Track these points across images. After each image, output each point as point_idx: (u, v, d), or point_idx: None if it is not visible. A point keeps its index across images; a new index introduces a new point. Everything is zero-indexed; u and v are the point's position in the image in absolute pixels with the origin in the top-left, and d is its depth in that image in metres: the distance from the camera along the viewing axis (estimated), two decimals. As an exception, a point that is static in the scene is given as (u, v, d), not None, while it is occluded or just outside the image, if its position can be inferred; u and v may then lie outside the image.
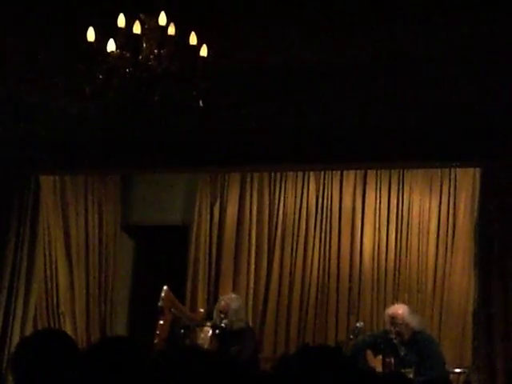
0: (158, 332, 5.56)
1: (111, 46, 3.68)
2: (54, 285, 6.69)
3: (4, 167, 6.20)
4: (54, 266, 6.69)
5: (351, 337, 5.47)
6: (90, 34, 3.68)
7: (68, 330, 6.42)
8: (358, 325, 5.59)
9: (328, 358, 1.61)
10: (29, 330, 6.23)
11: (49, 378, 2.34)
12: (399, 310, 5.35)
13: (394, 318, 5.29)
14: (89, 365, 2.35)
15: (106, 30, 3.67)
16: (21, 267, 6.29)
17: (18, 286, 6.26)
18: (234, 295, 5.85)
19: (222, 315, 5.49)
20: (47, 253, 6.63)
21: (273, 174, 6.99)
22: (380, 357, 5.29)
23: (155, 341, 5.51)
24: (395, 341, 5.22)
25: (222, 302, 5.61)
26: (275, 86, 4.79)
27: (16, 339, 6.16)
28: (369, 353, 5.36)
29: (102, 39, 3.67)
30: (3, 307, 6.19)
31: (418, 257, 6.57)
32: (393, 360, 5.21)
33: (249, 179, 7.04)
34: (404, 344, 5.25)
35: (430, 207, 6.61)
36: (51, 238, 6.69)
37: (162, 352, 2.75)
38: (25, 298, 6.30)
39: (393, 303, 5.80)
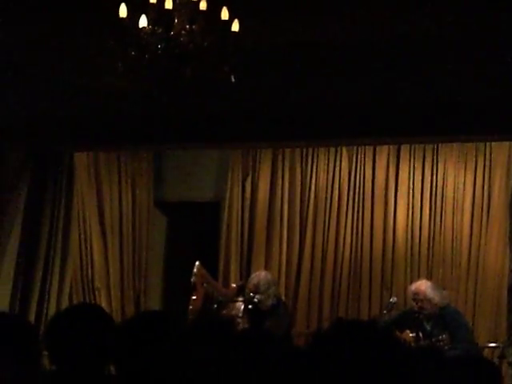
0: (190, 307, 5.60)
1: (143, 21, 3.68)
2: (89, 260, 6.78)
3: (38, 144, 6.27)
4: (88, 242, 6.78)
5: (385, 312, 5.47)
6: (122, 10, 3.68)
7: (103, 304, 6.51)
8: (391, 300, 5.58)
9: (362, 333, 1.61)
10: (64, 305, 6.32)
11: (84, 351, 2.38)
12: (421, 286, 5.34)
13: (416, 294, 5.29)
14: (124, 338, 2.39)
15: (138, 6, 3.66)
16: (56, 243, 6.38)
17: (54, 261, 6.36)
18: (264, 272, 5.86)
19: (253, 294, 5.50)
20: (82, 229, 6.72)
21: (304, 149, 6.97)
22: (408, 331, 5.30)
23: (188, 315, 5.56)
24: (420, 316, 5.22)
25: (252, 281, 5.62)
26: (309, 61, 4.75)
27: (52, 314, 6.26)
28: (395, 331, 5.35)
29: (133, 15, 3.67)
30: (39, 283, 6.29)
31: (453, 232, 6.52)
32: (421, 334, 5.22)
33: (280, 155, 7.02)
34: (430, 319, 5.26)
35: (464, 182, 6.54)
36: (85, 215, 6.76)
37: (195, 325, 2.78)
38: (60, 273, 6.39)
39: (427, 278, 5.78)
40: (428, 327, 5.24)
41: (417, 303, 5.26)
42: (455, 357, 4.03)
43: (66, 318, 2.48)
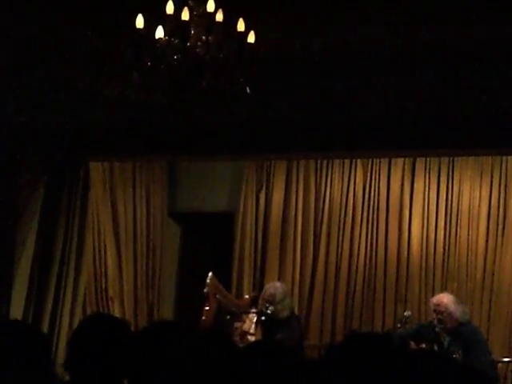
0: (203, 318, 5.59)
1: (159, 32, 3.70)
2: (103, 270, 6.79)
3: (54, 154, 6.31)
4: (102, 252, 6.79)
5: (399, 325, 5.43)
6: (139, 21, 3.70)
7: (116, 314, 6.51)
8: (405, 314, 5.54)
9: (377, 346, 1.59)
10: (78, 315, 6.34)
11: (104, 363, 2.37)
12: (444, 298, 5.30)
13: (437, 306, 5.25)
14: (137, 349, 2.38)
15: (155, 17, 3.68)
16: (70, 252, 6.39)
17: (68, 271, 6.38)
18: (278, 283, 5.84)
19: (267, 304, 5.48)
20: (96, 238, 6.73)
21: (319, 161, 6.96)
22: (423, 345, 5.25)
23: (201, 326, 5.54)
24: (438, 329, 5.17)
25: (268, 291, 5.60)
26: (323, 72, 4.75)
27: (66, 323, 6.28)
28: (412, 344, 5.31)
29: (150, 26, 3.69)
30: (53, 292, 6.30)
31: (468, 246, 6.48)
32: (436, 348, 5.16)
33: (295, 167, 7.02)
34: (448, 335, 5.19)
35: (480, 196, 6.51)
36: (100, 224, 6.78)
37: (207, 337, 2.78)
38: (74, 282, 6.41)
39: (441, 292, 5.74)
40: (445, 343, 5.18)
41: (437, 315, 5.21)
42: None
43: (91, 328, 2.47)
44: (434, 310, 5.25)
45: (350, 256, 6.77)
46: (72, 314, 6.34)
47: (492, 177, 6.50)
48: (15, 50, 4.64)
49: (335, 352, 1.62)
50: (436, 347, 5.12)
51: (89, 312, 6.46)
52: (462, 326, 5.19)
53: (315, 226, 6.91)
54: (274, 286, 5.65)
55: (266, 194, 7.06)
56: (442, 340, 5.20)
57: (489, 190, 6.49)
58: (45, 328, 6.05)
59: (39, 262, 6.29)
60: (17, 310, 6.08)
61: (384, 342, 1.61)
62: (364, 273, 6.71)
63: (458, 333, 5.15)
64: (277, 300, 5.48)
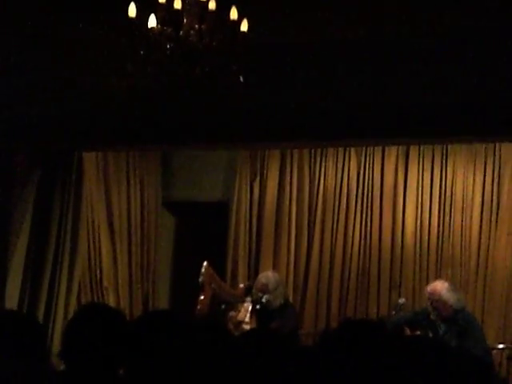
0: (198, 307, 5.60)
1: (152, 21, 3.69)
2: (98, 260, 6.79)
3: (47, 144, 6.29)
4: (97, 242, 6.79)
5: (393, 313, 5.45)
6: (132, 10, 3.69)
7: (111, 304, 6.52)
8: (400, 301, 5.56)
9: (371, 332, 1.60)
10: (73, 305, 6.34)
11: (99, 352, 2.37)
12: (438, 285, 5.30)
13: (431, 294, 5.26)
14: (131, 338, 2.38)
15: (147, 6, 3.67)
16: (65, 243, 6.38)
17: (63, 261, 6.37)
18: (271, 273, 5.85)
19: (261, 294, 5.50)
20: (90, 228, 6.72)
21: (313, 150, 6.96)
22: (418, 333, 5.26)
23: (196, 315, 5.55)
24: (432, 316, 5.18)
25: (260, 281, 5.61)
26: (317, 61, 4.74)
27: (61, 313, 6.28)
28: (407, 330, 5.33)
29: (143, 15, 3.67)
30: (48, 283, 6.30)
31: (462, 233, 6.50)
32: (431, 335, 5.17)
33: (289, 156, 7.02)
34: (443, 322, 5.21)
35: (473, 183, 6.52)
36: (94, 214, 6.77)
37: (202, 326, 2.78)
38: (69, 273, 6.40)
39: (435, 279, 5.76)
40: (440, 330, 5.19)
41: (431, 303, 5.22)
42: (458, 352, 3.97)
43: (86, 317, 2.47)
44: (429, 298, 5.27)
45: (345, 244, 6.79)
46: (67, 304, 6.34)
47: (485, 164, 6.52)
48: (6, 43, 4.62)
49: (329, 339, 1.63)
50: (431, 334, 5.13)
51: (84, 302, 6.46)
52: (457, 313, 5.19)
53: (309, 214, 6.92)
54: (266, 276, 5.66)
55: (260, 183, 7.07)
56: (437, 327, 5.21)
57: (482, 177, 6.51)
58: (40, 318, 6.04)
59: (33, 253, 6.28)
60: (12, 300, 6.08)
61: (378, 329, 1.61)
62: (358, 261, 6.73)
63: (453, 320, 5.16)
64: (270, 289, 5.49)
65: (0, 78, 5.12)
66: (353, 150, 6.86)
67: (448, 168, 6.60)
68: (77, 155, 6.50)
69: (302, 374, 1.87)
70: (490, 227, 6.43)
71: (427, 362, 1.52)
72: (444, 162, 6.62)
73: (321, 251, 6.85)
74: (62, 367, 2.49)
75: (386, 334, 1.62)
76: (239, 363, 2.24)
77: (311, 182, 6.95)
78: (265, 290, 5.50)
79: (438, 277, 6.10)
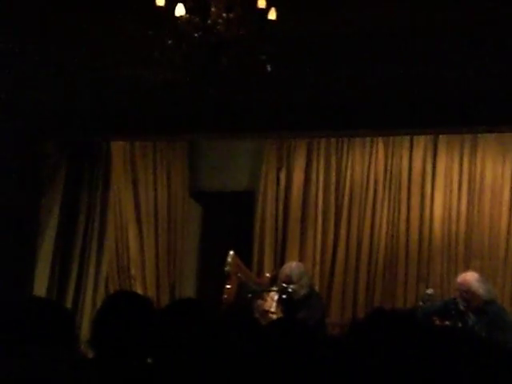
0: (225, 296, 5.62)
1: (180, 10, 3.68)
2: (125, 249, 6.84)
3: (75, 133, 6.33)
4: (124, 230, 6.84)
5: (421, 303, 5.41)
6: (160, -1, 3.69)
7: (138, 292, 6.56)
8: (427, 291, 5.52)
9: (402, 322, 1.59)
10: (100, 293, 6.40)
11: (129, 340, 2.38)
12: (467, 276, 5.26)
13: (461, 285, 5.22)
14: (161, 326, 2.40)
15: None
16: (93, 231, 6.44)
17: (91, 249, 6.43)
18: (294, 263, 5.84)
19: (285, 284, 5.49)
20: (118, 217, 6.77)
21: (340, 140, 6.92)
22: (447, 323, 5.22)
23: (222, 304, 5.57)
24: (462, 307, 5.14)
25: (283, 272, 5.60)
26: (346, 50, 4.71)
27: (89, 301, 6.35)
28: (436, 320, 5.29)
29: (170, 4, 3.67)
30: (76, 270, 6.37)
31: (490, 223, 6.44)
32: (460, 326, 5.13)
33: (316, 145, 6.99)
34: (473, 313, 5.16)
35: (502, 173, 6.45)
36: (121, 203, 6.82)
37: (230, 314, 2.78)
38: (97, 261, 6.46)
39: (464, 270, 5.71)
40: (470, 321, 5.14)
41: (461, 294, 5.19)
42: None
43: (116, 306, 2.49)
44: (458, 289, 5.23)
45: (372, 234, 6.75)
46: (95, 293, 6.40)
47: (515, 154, 6.44)
48: (29, 30, 4.64)
49: (360, 329, 1.62)
50: (460, 325, 5.09)
51: (111, 290, 6.51)
52: (487, 305, 5.14)
53: (336, 204, 6.89)
54: (289, 267, 5.65)
55: (287, 172, 7.05)
56: (466, 318, 5.16)
57: (511, 167, 6.43)
58: (68, 306, 6.11)
59: (62, 242, 6.35)
60: (41, 288, 6.15)
61: (409, 319, 1.60)
62: (385, 251, 6.69)
63: (483, 311, 5.11)
64: (294, 280, 5.48)
65: (28, 70, 5.15)
66: (380, 140, 6.81)
67: (477, 158, 6.53)
68: (104, 145, 6.54)
69: (331, 364, 1.87)
70: (520, 218, 6.36)
71: (459, 353, 1.50)
72: (473, 151, 6.55)
73: (347, 241, 6.82)
74: (91, 355, 2.52)
75: (417, 324, 1.61)
76: (268, 352, 2.25)
77: (338, 171, 6.91)
78: (289, 280, 5.49)
79: (466, 268, 6.04)
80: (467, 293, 5.16)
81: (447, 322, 5.18)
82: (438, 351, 1.52)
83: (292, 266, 5.68)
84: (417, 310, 5.35)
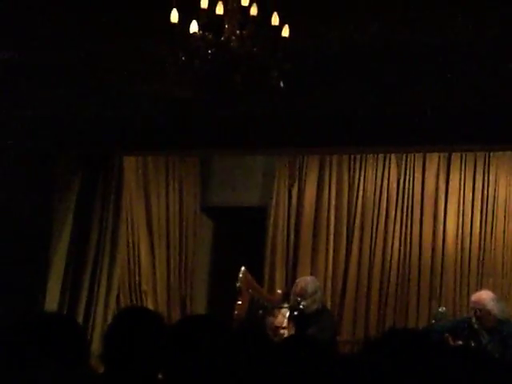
0: (236, 312, 5.60)
1: (194, 27, 3.70)
2: (137, 263, 6.84)
3: (88, 148, 6.36)
4: (136, 245, 6.84)
5: (433, 321, 5.38)
6: (174, 16, 3.71)
7: (149, 307, 6.56)
8: (440, 310, 5.49)
9: (416, 342, 1.57)
10: (112, 308, 6.39)
11: (140, 355, 2.38)
12: (482, 295, 5.23)
13: (475, 303, 5.18)
14: (170, 343, 2.39)
15: (189, 12, 3.68)
16: (105, 246, 6.45)
17: (102, 264, 6.44)
18: (309, 277, 5.84)
19: (299, 298, 5.47)
20: (130, 232, 6.78)
21: (352, 156, 6.92)
22: (460, 342, 5.18)
23: (233, 321, 5.55)
24: (476, 326, 5.10)
25: (298, 285, 5.59)
26: (357, 67, 4.72)
27: (100, 316, 6.34)
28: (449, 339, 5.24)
29: (185, 20, 3.69)
30: (88, 285, 6.37)
31: (504, 241, 6.40)
32: (473, 346, 5.08)
33: (328, 161, 6.98)
34: (487, 332, 5.12)
35: (516, 191, 6.42)
36: (133, 218, 6.83)
37: (242, 331, 2.77)
38: (108, 275, 6.47)
39: (477, 288, 5.68)
40: (483, 340, 5.10)
41: (475, 313, 5.15)
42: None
43: (127, 321, 2.49)
44: (473, 307, 5.19)
45: (384, 251, 6.72)
46: (106, 307, 6.40)
47: (529, 172, 6.41)
48: (44, 43, 4.69)
49: (373, 347, 1.61)
50: (473, 344, 5.05)
51: (123, 305, 6.51)
52: (502, 324, 5.10)
53: (348, 221, 6.87)
54: (304, 280, 5.64)
55: (299, 188, 7.05)
56: (480, 337, 5.12)
57: (525, 185, 6.41)
58: (79, 320, 6.11)
59: (74, 257, 6.36)
60: (52, 303, 6.16)
61: (423, 339, 1.59)
62: (398, 268, 6.66)
63: (497, 331, 5.07)
64: (308, 294, 5.47)
65: (42, 83, 5.20)
66: (393, 156, 6.80)
67: (490, 176, 6.50)
68: (117, 160, 6.57)
69: (344, 382, 1.85)
70: (533, 236, 6.32)
71: (472, 373, 1.49)
72: (486, 169, 6.53)
73: (359, 258, 6.80)
74: (102, 370, 2.51)
75: (431, 344, 1.60)
76: (280, 370, 2.23)
77: (350, 188, 6.90)
78: (303, 294, 5.47)
79: (478, 286, 6.01)
80: (482, 311, 5.12)
81: (460, 342, 5.14)
82: (452, 371, 1.51)
83: (307, 279, 5.68)
84: (430, 329, 5.31)
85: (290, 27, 3.74)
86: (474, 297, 5.26)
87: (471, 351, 1.72)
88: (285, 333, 5.48)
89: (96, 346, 5.73)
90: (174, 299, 7.02)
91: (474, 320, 5.14)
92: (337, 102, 5.34)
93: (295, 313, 5.50)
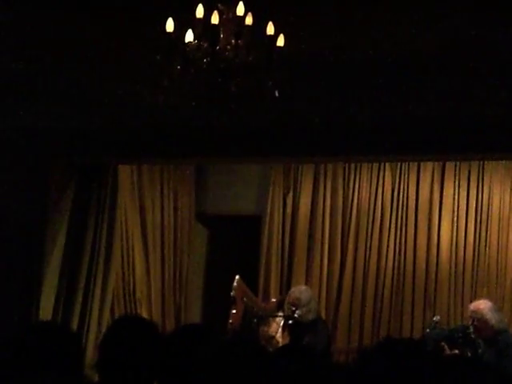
0: (230, 321, 5.60)
1: (189, 36, 3.71)
2: (131, 272, 6.83)
3: (82, 156, 6.36)
4: (130, 254, 6.83)
5: (427, 330, 5.38)
6: (169, 25, 3.72)
7: (144, 315, 6.54)
8: (434, 319, 5.49)
9: (412, 351, 1.58)
10: (106, 316, 6.38)
11: (135, 365, 2.38)
12: (481, 305, 5.22)
13: (473, 312, 5.18)
14: (168, 351, 2.39)
15: (185, 21, 3.70)
16: (99, 254, 6.44)
17: (97, 273, 6.43)
18: (304, 287, 5.84)
19: (293, 307, 5.47)
20: (124, 240, 6.77)
21: (347, 165, 6.94)
22: (456, 351, 5.18)
23: (228, 329, 5.55)
24: (473, 335, 5.10)
25: (293, 294, 5.59)
26: (352, 76, 4.73)
27: (94, 325, 6.33)
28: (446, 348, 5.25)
29: (180, 30, 3.70)
30: (82, 293, 6.36)
31: (498, 251, 6.42)
32: (469, 355, 5.09)
33: (323, 170, 7.00)
34: (484, 342, 5.12)
35: (510, 200, 6.45)
36: (128, 227, 6.83)
37: (236, 340, 2.77)
38: (103, 284, 6.46)
39: (471, 298, 5.69)
40: (480, 349, 5.10)
41: (473, 322, 5.15)
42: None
43: (122, 330, 2.49)
44: (471, 316, 5.19)
45: (378, 260, 6.74)
46: (100, 316, 6.39)
47: (523, 181, 6.44)
48: (42, 53, 4.69)
49: (369, 356, 1.61)
50: (469, 353, 5.06)
51: (117, 314, 6.50)
52: (499, 334, 5.10)
53: (343, 229, 6.88)
54: (299, 290, 5.65)
55: (294, 197, 7.06)
56: (476, 346, 5.12)
57: (519, 194, 6.43)
58: (73, 329, 6.09)
59: (68, 265, 6.35)
60: (46, 311, 6.14)
61: (419, 348, 1.59)
62: (392, 277, 6.67)
63: (494, 341, 5.07)
64: (302, 303, 5.47)
65: (39, 92, 5.20)
66: (387, 165, 6.82)
67: (484, 185, 6.53)
68: (112, 168, 6.57)
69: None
70: (527, 246, 6.34)
71: (468, 383, 1.49)
72: (480, 178, 6.55)
73: (354, 267, 6.81)
74: (96, 379, 2.51)
75: (427, 353, 1.60)
76: (274, 379, 2.23)
77: (345, 197, 6.92)
78: (297, 303, 5.47)
79: (473, 295, 6.02)
80: (479, 321, 5.12)
81: (456, 351, 5.14)
82: (448, 380, 1.51)
83: (301, 289, 5.68)
84: (425, 338, 5.31)
85: (285, 36, 3.76)
86: (473, 306, 5.25)
87: (468, 360, 1.72)
88: (279, 342, 5.48)
89: (90, 355, 5.73)
90: (168, 308, 7.02)
91: (470, 329, 5.14)
92: (331, 111, 5.36)
93: (290, 322, 5.51)
